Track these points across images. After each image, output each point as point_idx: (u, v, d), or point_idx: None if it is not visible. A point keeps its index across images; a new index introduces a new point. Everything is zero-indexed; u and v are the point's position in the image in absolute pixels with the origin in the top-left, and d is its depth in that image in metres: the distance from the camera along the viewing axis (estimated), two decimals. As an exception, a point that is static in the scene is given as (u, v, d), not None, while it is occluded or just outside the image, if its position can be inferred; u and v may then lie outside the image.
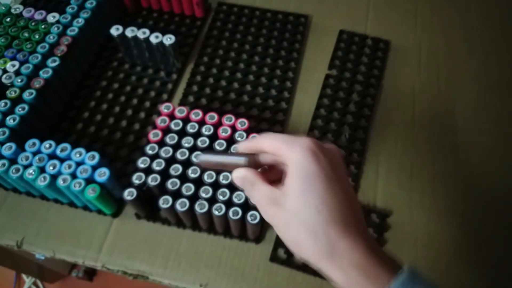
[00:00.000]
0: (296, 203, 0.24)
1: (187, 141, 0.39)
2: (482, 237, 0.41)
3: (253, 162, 0.27)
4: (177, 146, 0.39)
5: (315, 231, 0.24)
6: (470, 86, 0.51)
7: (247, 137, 0.39)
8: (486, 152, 0.46)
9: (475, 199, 0.43)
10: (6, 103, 0.41)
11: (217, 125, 0.40)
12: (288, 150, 0.25)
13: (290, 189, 0.25)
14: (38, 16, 0.48)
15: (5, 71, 0.43)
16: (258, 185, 0.26)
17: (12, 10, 0.48)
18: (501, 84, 0.51)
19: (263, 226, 0.40)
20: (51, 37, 0.46)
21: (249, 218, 0.35)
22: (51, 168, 0.37)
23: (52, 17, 0.48)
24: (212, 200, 0.36)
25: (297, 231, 0.24)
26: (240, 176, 0.27)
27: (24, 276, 0.91)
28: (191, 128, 0.40)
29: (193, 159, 0.29)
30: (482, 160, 0.45)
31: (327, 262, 0.24)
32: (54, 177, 0.37)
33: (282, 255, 0.39)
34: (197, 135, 0.39)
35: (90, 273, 0.91)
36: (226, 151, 0.28)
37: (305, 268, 0.38)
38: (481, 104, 0.49)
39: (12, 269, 0.80)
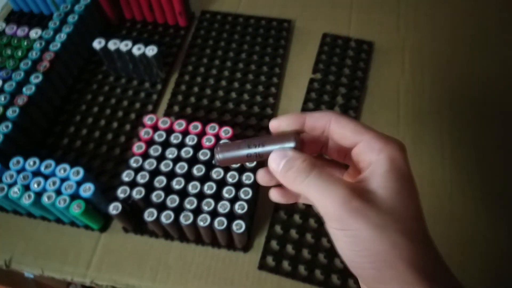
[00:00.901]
0: (393, 202, 0.20)
1: (171, 152, 0.39)
2: (476, 239, 0.41)
3: (301, 144, 0.22)
4: (161, 158, 0.39)
5: (421, 239, 0.19)
6: (455, 84, 0.51)
7: (231, 145, 0.39)
8: (473, 150, 0.46)
9: (464, 199, 0.43)
10: (-11, 122, 0.41)
11: (201, 135, 0.40)
12: (382, 141, 0.21)
13: (382, 186, 0.20)
14: (20, 32, 0.48)
15: (-13, 90, 0.43)
16: (322, 174, 0.20)
17: (-6, 28, 0.48)
18: (486, 81, 0.51)
19: (250, 234, 0.40)
20: (34, 53, 0.46)
21: (234, 228, 0.35)
22: (36, 185, 0.37)
23: (34, 33, 0.48)
24: (197, 211, 0.36)
25: (393, 236, 0.19)
26: (291, 164, 0.21)
27: (22, 291, 0.91)
28: (174, 139, 0.40)
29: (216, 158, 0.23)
30: (469, 159, 0.45)
31: (421, 282, 0.19)
32: (38, 194, 0.37)
33: (270, 263, 0.39)
34: (181, 145, 0.39)
35: (88, 287, 0.91)
36: (244, 141, 0.22)
37: (293, 274, 0.38)
38: (466, 101, 0.50)
39: (9, 286, 0.79)
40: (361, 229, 0.19)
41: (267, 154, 0.22)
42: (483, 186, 0.44)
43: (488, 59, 0.53)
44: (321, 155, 0.25)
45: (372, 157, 0.21)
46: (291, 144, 0.21)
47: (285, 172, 0.21)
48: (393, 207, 0.20)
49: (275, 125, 0.23)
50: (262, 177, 0.24)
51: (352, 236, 0.19)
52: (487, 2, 0.58)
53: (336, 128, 0.22)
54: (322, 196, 0.20)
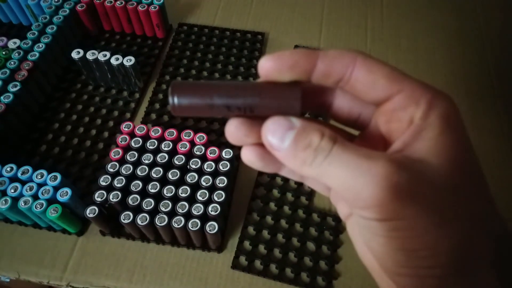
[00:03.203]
0: (456, 179, 0.14)
1: (147, 158, 0.40)
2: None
3: (302, 102, 0.16)
4: (137, 163, 0.40)
5: (499, 232, 0.15)
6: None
7: (205, 151, 0.41)
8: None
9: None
10: (-34, 129, 0.42)
11: (176, 141, 0.42)
12: (430, 92, 0.15)
13: (436, 154, 0.14)
14: (-1, 43, 0.49)
15: (-35, 98, 0.44)
16: (347, 147, 0.14)
17: (-27, 38, 0.49)
18: (445, 88, 0.54)
19: (224, 236, 0.42)
20: (12, 62, 0.47)
21: (208, 229, 0.37)
22: (12, 191, 0.38)
23: (13, 43, 0.49)
24: (171, 214, 0.37)
25: (466, 226, 0.14)
26: (303, 141, 0.15)
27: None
28: (150, 145, 0.41)
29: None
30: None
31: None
32: (15, 199, 0.38)
33: (243, 262, 0.40)
34: (156, 151, 0.41)
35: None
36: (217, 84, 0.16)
37: (265, 273, 0.40)
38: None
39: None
40: (417, 216, 0.13)
41: (258, 108, 0.16)
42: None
43: (448, 67, 0.57)
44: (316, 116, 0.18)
45: (416, 114, 0.15)
46: (296, 107, 0.16)
47: (293, 152, 0.15)
48: (457, 185, 0.14)
49: (272, 66, 0.16)
50: (234, 130, 0.16)
51: (400, 229, 0.14)
52: (447, 15, 0.63)
53: (363, 72, 0.15)
54: (351, 177, 0.14)
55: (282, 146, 0.15)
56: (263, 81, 0.16)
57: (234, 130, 0.16)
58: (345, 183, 0.14)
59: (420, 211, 0.13)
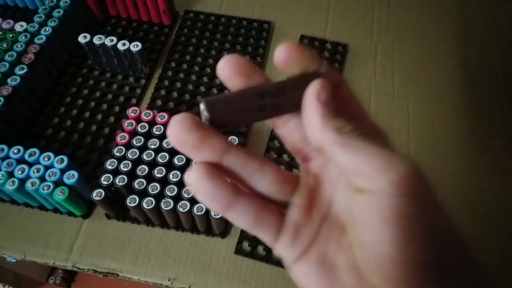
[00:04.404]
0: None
1: (153, 143, 0.41)
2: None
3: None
4: (143, 148, 0.41)
5: None
6: (422, 85, 0.54)
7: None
8: (436, 146, 0.49)
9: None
10: (-26, 111, 0.42)
11: (182, 127, 0.42)
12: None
13: None
14: (5, 25, 0.49)
15: (-27, 79, 0.44)
16: None
17: (-20, 20, 0.49)
18: (450, 82, 0.55)
19: (228, 221, 0.42)
20: (19, 45, 0.47)
21: (212, 213, 0.37)
22: (20, 172, 0.38)
23: (19, 26, 0.49)
24: (177, 198, 0.38)
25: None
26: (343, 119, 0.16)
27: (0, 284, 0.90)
28: (156, 130, 0.42)
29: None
30: (432, 155, 0.49)
31: None
32: (22, 181, 0.38)
33: (246, 248, 0.41)
34: (162, 136, 0.41)
35: (68, 280, 0.91)
36: (249, 89, 0.16)
37: (267, 258, 0.40)
38: (432, 100, 0.53)
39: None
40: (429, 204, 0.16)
41: (291, 105, 0.16)
42: (447, 183, 0.47)
43: (453, 60, 0.57)
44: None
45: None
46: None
47: (333, 113, 0.16)
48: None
49: (289, 54, 0.17)
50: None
51: (420, 211, 0.15)
52: (453, 9, 0.62)
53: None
54: (382, 151, 0.15)
55: (325, 124, 0.16)
56: (283, 80, 0.17)
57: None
58: (378, 153, 0.15)
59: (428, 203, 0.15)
